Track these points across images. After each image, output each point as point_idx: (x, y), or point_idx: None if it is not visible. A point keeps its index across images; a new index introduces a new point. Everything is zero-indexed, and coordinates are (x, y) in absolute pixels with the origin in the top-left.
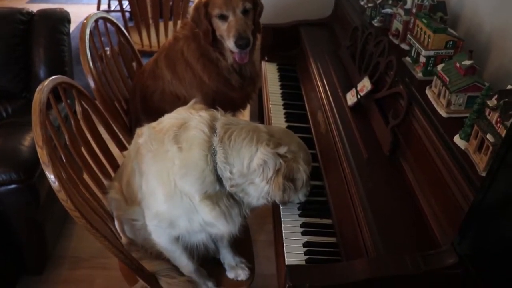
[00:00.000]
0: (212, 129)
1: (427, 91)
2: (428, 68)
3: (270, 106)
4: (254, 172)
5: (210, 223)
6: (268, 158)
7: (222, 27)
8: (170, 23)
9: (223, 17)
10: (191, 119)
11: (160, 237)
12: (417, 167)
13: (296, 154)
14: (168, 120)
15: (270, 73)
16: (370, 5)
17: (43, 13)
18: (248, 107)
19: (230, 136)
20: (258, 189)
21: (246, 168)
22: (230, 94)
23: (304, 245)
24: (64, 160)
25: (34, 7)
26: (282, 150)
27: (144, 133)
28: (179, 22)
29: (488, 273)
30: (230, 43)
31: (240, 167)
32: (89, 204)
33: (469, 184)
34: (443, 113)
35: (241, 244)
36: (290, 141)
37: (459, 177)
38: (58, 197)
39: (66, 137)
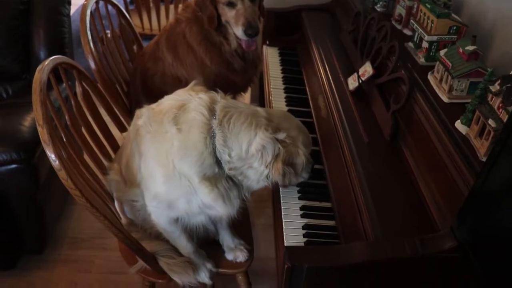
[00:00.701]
0: (212, 111)
1: (429, 77)
2: (431, 53)
3: (271, 90)
4: (253, 156)
5: (209, 205)
6: (267, 143)
7: (229, 14)
8: (171, 6)
9: (231, 4)
10: (190, 101)
11: (159, 218)
12: (418, 152)
13: (295, 139)
14: (168, 101)
15: (271, 57)
16: None
17: None
18: (249, 90)
19: (229, 120)
20: (257, 173)
21: (244, 152)
22: (232, 77)
23: (303, 227)
24: (64, 140)
25: None
26: (281, 135)
27: (144, 115)
28: (180, 5)
29: (487, 258)
30: (238, 31)
31: (238, 151)
32: (89, 184)
33: (470, 169)
34: (445, 98)
35: (241, 226)
36: (290, 125)
37: (460, 162)
38: (59, 176)
39: (67, 117)
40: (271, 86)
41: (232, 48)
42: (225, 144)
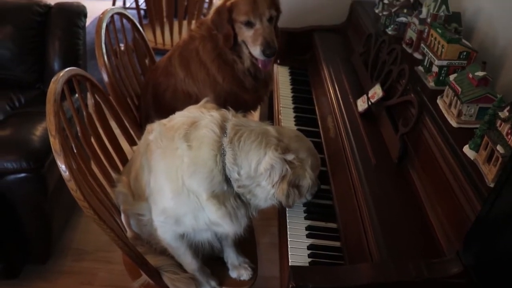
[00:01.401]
0: (223, 129)
1: (438, 101)
2: (441, 78)
3: (281, 108)
4: (261, 175)
5: (216, 222)
6: (276, 163)
7: (247, 34)
8: (184, 22)
9: (249, 24)
10: (202, 118)
11: (166, 234)
12: (425, 176)
13: (304, 161)
14: (179, 118)
15: (281, 76)
16: (385, 13)
17: (60, 6)
18: (258, 108)
19: (240, 138)
20: (265, 192)
21: (253, 171)
22: (243, 95)
23: (309, 247)
24: (75, 150)
25: (52, 0)
26: (290, 157)
27: (155, 130)
28: (193, 21)
29: (493, 284)
30: (256, 51)
31: (247, 169)
32: (97, 195)
33: (477, 194)
34: (453, 123)
35: (245, 244)
36: (300, 146)
37: (467, 187)
38: (68, 186)
39: (78, 129)
40: (280, 105)
41: (245, 67)
42: (234, 162)
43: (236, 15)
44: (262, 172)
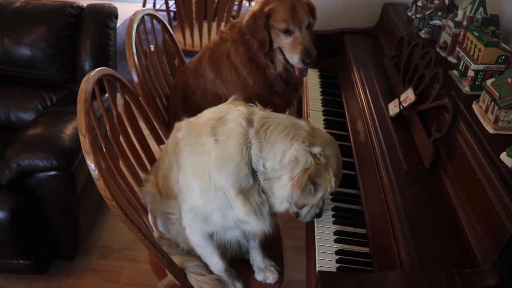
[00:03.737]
0: (250, 122)
1: (474, 106)
2: (476, 82)
3: (310, 111)
4: (285, 168)
5: (243, 220)
6: (300, 155)
7: (285, 41)
8: (214, 24)
9: (288, 32)
10: (229, 113)
11: (195, 233)
12: (459, 183)
13: (329, 162)
14: (207, 114)
15: (311, 79)
16: (418, 16)
17: (92, 8)
18: (287, 111)
19: (266, 129)
20: (283, 189)
21: (278, 163)
22: (272, 99)
23: (337, 252)
24: (104, 150)
25: (84, 2)
26: (317, 150)
27: (183, 127)
28: (222, 23)
29: None
30: (294, 59)
31: (273, 161)
32: (125, 195)
33: None
34: (490, 129)
35: (272, 247)
36: (329, 148)
37: (504, 195)
38: (97, 185)
39: (107, 128)
40: (310, 108)
41: (277, 72)
42: (260, 154)
43: (274, 21)
44: (286, 165)
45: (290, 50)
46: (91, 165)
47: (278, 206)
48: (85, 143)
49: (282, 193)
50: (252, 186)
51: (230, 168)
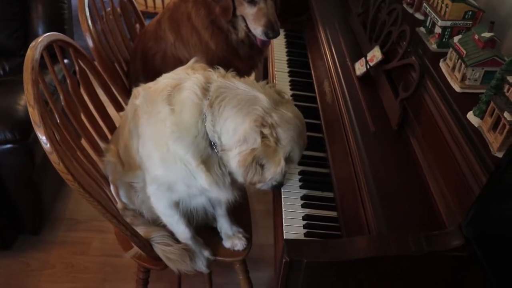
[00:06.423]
0: (206, 91)
1: (441, 64)
2: (444, 39)
3: (276, 72)
4: (235, 145)
5: (207, 189)
6: (249, 135)
7: (248, 11)
8: None
9: (252, 2)
10: (186, 80)
11: (160, 201)
12: (426, 144)
13: (281, 146)
14: (164, 80)
15: (277, 39)
16: None
17: None
18: (253, 74)
19: (221, 102)
20: (233, 163)
21: (230, 139)
22: (236, 63)
23: (304, 218)
24: (58, 121)
25: None
26: (267, 131)
27: (140, 94)
28: None
29: (496, 257)
30: (257, 30)
31: (226, 136)
32: (84, 167)
33: (481, 164)
34: (457, 87)
35: (240, 213)
36: (287, 129)
37: (471, 156)
38: (50, 159)
39: (61, 97)
40: (275, 68)
41: (239, 38)
42: (214, 129)
43: None
44: (235, 142)
45: (253, 21)
46: (42, 138)
47: (237, 178)
48: (34, 115)
49: (233, 168)
50: (212, 157)
51: (187, 140)
